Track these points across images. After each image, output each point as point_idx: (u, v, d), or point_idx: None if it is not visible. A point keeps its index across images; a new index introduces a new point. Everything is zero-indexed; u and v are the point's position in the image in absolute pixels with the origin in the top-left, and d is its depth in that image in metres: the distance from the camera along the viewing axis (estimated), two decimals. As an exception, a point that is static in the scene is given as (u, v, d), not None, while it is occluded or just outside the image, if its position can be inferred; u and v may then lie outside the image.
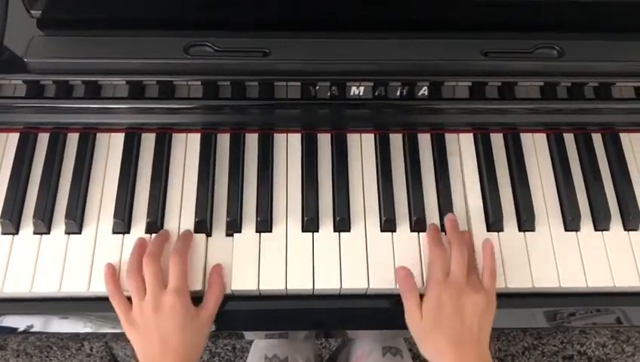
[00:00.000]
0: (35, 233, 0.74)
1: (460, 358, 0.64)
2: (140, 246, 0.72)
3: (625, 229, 0.77)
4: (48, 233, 0.74)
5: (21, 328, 0.73)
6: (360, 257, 0.73)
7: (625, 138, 0.82)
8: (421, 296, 0.69)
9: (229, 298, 0.72)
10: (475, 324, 0.66)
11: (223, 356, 1.54)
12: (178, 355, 0.65)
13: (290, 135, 0.81)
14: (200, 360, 1.51)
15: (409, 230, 0.75)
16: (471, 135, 0.82)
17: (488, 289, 0.69)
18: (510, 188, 0.79)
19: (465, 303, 0.66)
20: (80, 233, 0.74)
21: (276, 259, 0.73)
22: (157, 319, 0.65)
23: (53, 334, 0.74)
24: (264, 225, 0.74)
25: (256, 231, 0.74)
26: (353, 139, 0.81)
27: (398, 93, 0.77)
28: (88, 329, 0.73)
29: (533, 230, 0.76)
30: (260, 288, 0.71)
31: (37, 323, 0.73)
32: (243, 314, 0.74)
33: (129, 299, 0.69)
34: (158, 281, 0.68)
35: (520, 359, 1.57)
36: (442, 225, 0.76)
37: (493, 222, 0.76)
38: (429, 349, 0.67)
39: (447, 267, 0.69)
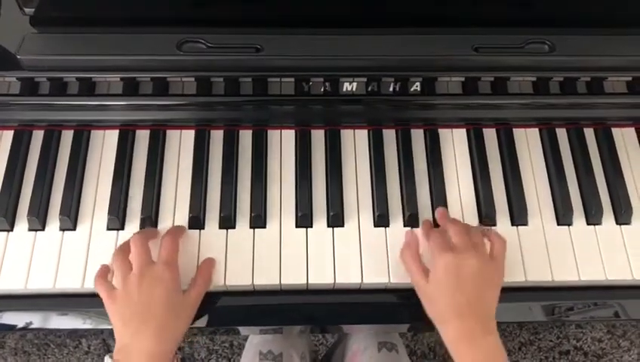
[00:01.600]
0: (29, 230, 0.74)
1: (465, 328, 0.64)
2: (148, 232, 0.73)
3: (617, 223, 0.77)
4: (43, 230, 0.74)
5: (19, 325, 0.73)
6: (353, 252, 0.74)
7: (617, 132, 0.83)
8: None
9: (224, 293, 0.73)
10: (480, 295, 0.65)
11: (220, 353, 1.54)
12: (159, 327, 0.64)
13: (283, 131, 0.81)
14: (197, 358, 1.52)
15: (402, 225, 0.76)
16: (464, 130, 0.82)
17: (497, 257, 0.69)
18: (503, 183, 0.79)
19: (471, 272, 0.65)
20: (74, 229, 0.75)
21: (270, 255, 0.73)
22: (141, 288, 0.65)
23: (51, 331, 0.75)
24: (258, 220, 0.75)
25: (250, 227, 0.75)
26: (347, 134, 0.81)
27: (391, 89, 0.77)
28: (86, 326, 0.73)
29: (525, 224, 0.76)
30: (255, 283, 0.71)
31: (35, 320, 0.73)
32: (237, 310, 0.74)
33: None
34: (147, 256, 0.67)
35: (517, 354, 1.57)
36: (435, 220, 0.76)
37: (486, 217, 0.76)
38: (433, 315, 0.67)
39: (447, 241, 0.69)
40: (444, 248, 0.67)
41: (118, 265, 0.67)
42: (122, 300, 0.65)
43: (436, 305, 0.67)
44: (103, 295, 0.67)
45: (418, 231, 0.75)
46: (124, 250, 0.69)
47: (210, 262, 0.72)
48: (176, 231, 0.72)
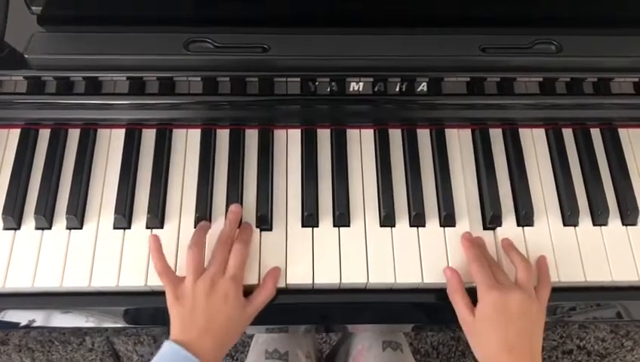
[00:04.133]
0: (36, 228, 0.75)
1: None
2: (205, 225, 0.73)
3: (623, 224, 0.77)
4: (50, 228, 0.75)
5: (23, 323, 0.73)
6: (359, 252, 0.74)
7: (623, 133, 0.82)
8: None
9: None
10: (527, 333, 0.65)
11: (224, 351, 1.54)
12: (217, 339, 0.65)
13: (289, 130, 0.81)
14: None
15: (408, 225, 0.76)
16: (470, 130, 0.82)
17: (542, 300, 0.69)
18: (509, 184, 0.79)
19: (518, 308, 0.65)
20: (81, 228, 0.75)
21: (276, 254, 0.73)
22: (208, 300, 0.66)
23: (55, 329, 0.75)
24: (264, 220, 0.75)
25: (257, 227, 0.75)
26: (353, 134, 0.81)
27: (398, 89, 0.77)
28: (90, 324, 0.73)
29: (531, 225, 0.76)
30: (260, 283, 0.71)
31: (39, 317, 0.73)
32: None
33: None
34: (222, 265, 0.68)
35: (520, 353, 1.57)
36: (441, 219, 0.76)
37: (492, 217, 0.76)
38: (480, 352, 0.67)
39: (491, 276, 0.68)
40: (490, 285, 0.67)
41: (194, 264, 0.68)
42: (189, 305, 0.66)
43: (485, 342, 0.66)
44: (169, 290, 0.68)
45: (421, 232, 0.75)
46: (201, 246, 0.70)
47: (275, 275, 0.72)
48: (247, 240, 0.72)
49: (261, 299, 0.70)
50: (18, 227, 0.75)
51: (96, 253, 0.73)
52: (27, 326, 0.73)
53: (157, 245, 0.70)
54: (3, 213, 0.74)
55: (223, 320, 0.66)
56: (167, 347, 0.64)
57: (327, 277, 0.72)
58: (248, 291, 0.70)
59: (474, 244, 0.73)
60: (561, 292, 0.74)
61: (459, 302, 0.69)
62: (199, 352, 0.63)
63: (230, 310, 0.67)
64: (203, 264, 0.69)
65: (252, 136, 0.81)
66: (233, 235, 0.72)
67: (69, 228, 0.75)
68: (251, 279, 0.72)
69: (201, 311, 0.65)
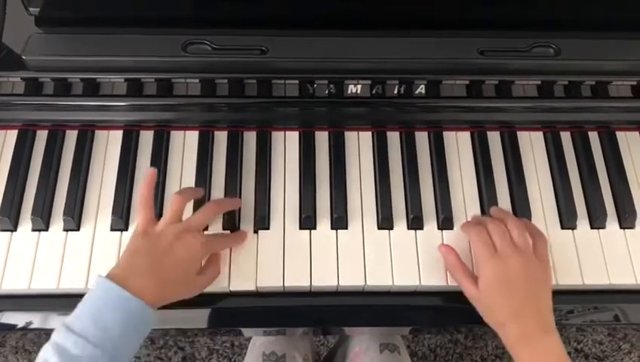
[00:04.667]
0: (33, 230, 0.74)
1: (522, 330, 0.64)
2: (201, 191, 0.75)
3: (621, 227, 0.77)
4: (46, 230, 0.74)
5: (20, 325, 0.73)
6: (357, 255, 0.73)
7: (621, 136, 0.82)
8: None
9: (227, 295, 0.73)
10: (531, 295, 0.65)
11: (221, 352, 1.54)
12: (161, 286, 0.63)
13: (287, 133, 0.81)
14: (198, 357, 1.52)
15: (406, 228, 0.75)
16: (468, 133, 0.82)
17: (542, 257, 0.69)
18: (507, 186, 0.79)
19: (519, 273, 0.66)
20: (78, 230, 0.74)
21: (274, 257, 0.73)
22: (174, 244, 0.64)
23: (52, 331, 0.75)
24: (262, 222, 0.74)
25: (254, 229, 0.75)
26: (351, 137, 0.81)
27: (396, 92, 0.77)
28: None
29: (529, 228, 0.76)
30: (258, 285, 0.71)
31: (36, 319, 0.73)
32: (241, 311, 0.74)
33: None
34: (203, 225, 0.69)
35: (517, 356, 1.57)
36: (439, 222, 0.76)
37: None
38: (492, 321, 0.67)
39: (490, 244, 0.68)
40: (488, 256, 0.67)
41: (176, 207, 0.68)
42: (153, 240, 0.65)
43: (492, 311, 0.67)
44: (141, 223, 0.67)
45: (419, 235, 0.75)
46: (188, 195, 0.71)
47: (218, 261, 0.71)
48: (223, 204, 0.73)
49: (213, 269, 0.69)
50: (15, 228, 0.74)
51: (93, 255, 0.73)
52: (24, 328, 0.73)
53: (152, 179, 0.69)
54: None
55: (177, 271, 0.64)
56: (100, 283, 0.60)
57: (324, 279, 0.72)
58: (243, 294, 0.70)
59: (469, 223, 0.74)
60: (559, 295, 0.74)
61: (462, 279, 0.69)
62: (139, 291, 0.60)
63: (188, 264, 0.65)
64: (181, 215, 0.68)
65: (250, 139, 0.80)
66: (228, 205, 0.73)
67: (65, 229, 0.74)
68: (248, 285, 0.71)
69: (161, 252, 0.64)
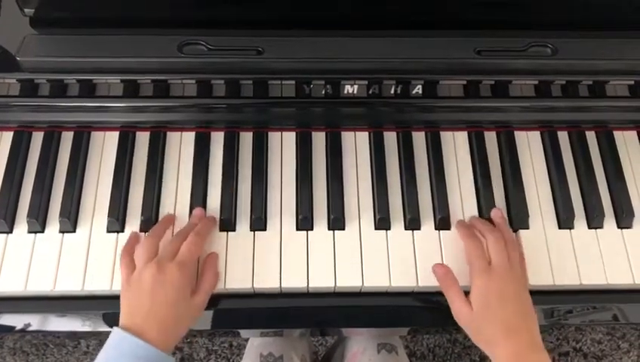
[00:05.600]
0: (29, 232, 0.74)
1: (513, 347, 0.64)
2: (168, 219, 0.74)
3: (618, 227, 0.77)
4: (42, 232, 0.74)
5: (18, 327, 0.73)
6: (354, 255, 0.73)
7: (619, 136, 0.82)
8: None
9: (224, 296, 0.73)
10: (521, 312, 0.66)
11: (219, 353, 1.54)
12: (161, 325, 0.64)
13: (284, 133, 0.81)
14: (196, 358, 1.52)
15: (403, 228, 0.75)
16: (465, 133, 0.82)
17: (513, 262, 0.69)
18: (504, 186, 0.79)
19: (512, 291, 0.66)
20: (74, 232, 0.74)
21: (271, 258, 0.73)
22: (154, 284, 0.65)
23: (50, 333, 0.74)
24: (259, 223, 0.74)
25: (251, 230, 0.74)
26: (348, 137, 0.81)
27: (393, 92, 0.77)
28: (86, 328, 0.73)
29: (527, 228, 0.76)
30: (255, 286, 0.71)
31: (34, 321, 0.73)
32: (238, 312, 0.74)
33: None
34: (172, 253, 0.68)
35: (516, 356, 1.57)
36: (436, 222, 0.76)
37: (487, 220, 0.75)
38: (481, 340, 0.67)
39: (486, 256, 0.69)
40: (482, 269, 0.68)
41: (145, 249, 0.68)
42: (136, 288, 0.66)
43: (484, 329, 0.67)
44: (123, 275, 0.68)
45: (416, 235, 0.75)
46: (156, 236, 0.70)
47: (212, 260, 0.71)
48: (204, 231, 0.72)
49: (205, 285, 0.69)
50: (10, 230, 0.74)
51: (90, 257, 0.73)
52: (22, 330, 0.73)
53: (136, 236, 0.72)
54: (-5, 217, 0.73)
55: (168, 307, 0.65)
56: (115, 334, 0.63)
57: (321, 280, 0.72)
58: (240, 295, 0.70)
59: (465, 227, 0.74)
60: (558, 295, 0.75)
61: (455, 299, 0.69)
62: (144, 337, 0.62)
63: (176, 295, 0.66)
64: (155, 253, 0.69)
65: (247, 139, 0.80)
66: (191, 230, 0.72)
67: (62, 231, 0.74)
68: (245, 283, 0.71)
69: (147, 295, 0.65)
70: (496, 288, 0.66)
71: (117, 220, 0.74)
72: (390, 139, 0.81)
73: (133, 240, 0.72)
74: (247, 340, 1.06)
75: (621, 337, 1.59)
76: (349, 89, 0.76)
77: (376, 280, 0.72)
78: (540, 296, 0.74)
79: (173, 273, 0.66)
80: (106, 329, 0.72)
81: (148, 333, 0.63)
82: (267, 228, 0.75)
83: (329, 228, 0.75)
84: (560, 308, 0.75)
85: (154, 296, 0.65)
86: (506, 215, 0.77)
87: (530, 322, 0.66)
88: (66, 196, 0.75)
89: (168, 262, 0.67)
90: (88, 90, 0.76)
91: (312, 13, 0.77)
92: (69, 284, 0.71)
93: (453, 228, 0.75)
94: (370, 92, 0.77)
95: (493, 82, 0.78)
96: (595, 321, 0.76)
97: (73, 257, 0.72)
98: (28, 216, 0.74)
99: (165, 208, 0.76)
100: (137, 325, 0.64)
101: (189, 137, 0.80)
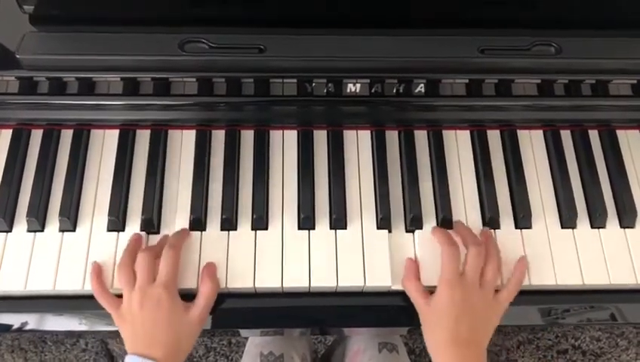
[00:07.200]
0: (28, 231, 0.74)
1: (455, 359, 0.65)
2: (135, 241, 0.72)
3: (621, 226, 0.77)
4: (42, 231, 0.74)
5: (16, 326, 0.72)
6: (356, 255, 0.73)
7: (622, 135, 0.82)
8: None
9: (225, 295, 0.72)
10: (478, 328, 0.67)
11: (218, 351, 1.54)
12: (166, 347, 0.65)
13: (286, 131, 0.80)
14: (195, 355, 1.52)
15: (405, 228, 0.75)
16: (467, 132, 0.81)
17: (502, 301, 0.69)
18: (507, 185, 0.78)
19: (473, 307, 0.67)
20: (74, 231, 0.74)
21: (272, 257, 0.72)
22: (143, 311, 0.65)
23: (47, 332, 0.74)
24: (260, 222, 0.74)
25: (252, 229, 0.74)
26: (349, 135, 0.80)
27: (395, 90, 0.77)
28: (83, 327, 0.72)
29: (529, 227, 0.76)
30: (256, 286, 0.71)
31: (32, 320, 0.72)
32: (239, 312, 0.74)
33: (119, 296, 0.69)
34: (148, 275, 0.67)
35: (515, 353, 1.57)
36: (438, 221, 0.75)
37: (490, 220, 0.75)
38: (429, 342, 0.68)
39: (459, 266, 0.69)
40: (450, 278, 0.68)
41: (124, 281, 0.68)
42: (129, 320, 0.67)
43: (434, 331, 0.68)
44: (111, 312, 0.68)
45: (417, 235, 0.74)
46: (127, 264, 0.69)
47: (210, 270, 0.71)
48: (177, 245, 0.70)
49: (203, 296, 0.69)
50: (10, 229, 0.74)
51: (90, 256, 0.72)
52: (20, 329, 0.72)
53: (96, 269, 0.70)
54: (-6, 216, 0.73)
55: (164, 328, 0.65)
56: (128, 359, 0.64)
57: (323, 280, 0.71)
58: (242, 294, 0.70)
59: (445, 235, 0.73)
60: (556, 294, 0.74)
61: (412, 291, 0.70)
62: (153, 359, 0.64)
63: (168, 315, 0.66)
64: (134, 278, 0.68)
65: (248, 137, 0.80)
66: (156, 250, 0.71)
67: (61, 230, 0.74)
68: (246, 282, 0.71)
69: (140, 324, 0.66)
70: (459, 299, 0.66)
71: (117, 219, 0.73)
72: (392, 137, 0.80)
73: (97, 276, 0.71)
74: (246, 338, 1.06)
75: (620, 335, 1.59)
76: (352, 87, 0.76)
77: (378, 279, 0.72)
78: (539, 295, 0.75)
79: (159, 295, 0.66)
80: (103, 328, 0.72)
81: (155, 356, 0.64)
82: (268, 227, 0.74)
83: (331, 228, 0.74)
84: (557, 307, 0.75)
85: (148, 323, 0.65)
86: (511, 214, 0.76)
87: (481, 339, 0.67)
88: (65, 195, 0.75)
89: (149, 285, 0.67)
90: (88, 87, 0.76)
91: (314, 11, 0.76)
92: (70, 283, 0.71)
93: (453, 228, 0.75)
94: (373, 90, 0.76)
95: (496, 81, 0.77)
96: (592, 320, 0.75)
97: (73, 256, 0.72)
98: (27, 214, 0.73)
99: (166, 206, 0.75)
100: (144, 353, 0.64)
101: (190, 135, 0.79)
